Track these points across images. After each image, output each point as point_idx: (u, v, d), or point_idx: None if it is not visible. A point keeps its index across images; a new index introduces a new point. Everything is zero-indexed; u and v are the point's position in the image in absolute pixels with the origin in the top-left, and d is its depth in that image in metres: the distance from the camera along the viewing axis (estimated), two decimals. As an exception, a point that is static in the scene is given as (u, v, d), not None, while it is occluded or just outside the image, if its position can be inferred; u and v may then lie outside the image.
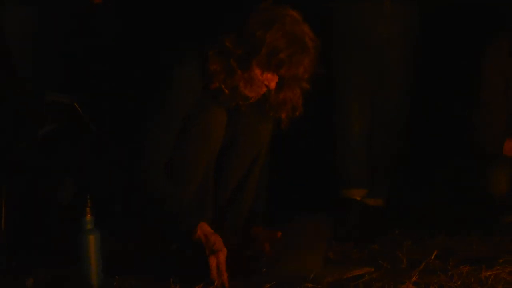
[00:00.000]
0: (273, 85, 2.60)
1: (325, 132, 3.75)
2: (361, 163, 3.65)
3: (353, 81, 3.65)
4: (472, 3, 3.78)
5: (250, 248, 2.62)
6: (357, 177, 3.64)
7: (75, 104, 3.02)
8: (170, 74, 2.58)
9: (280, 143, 2.85)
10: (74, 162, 2.99)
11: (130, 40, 3.32)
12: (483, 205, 3.40)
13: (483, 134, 3.42)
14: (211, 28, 2.62)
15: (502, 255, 2.67)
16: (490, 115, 3.42)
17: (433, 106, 3.92)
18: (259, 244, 2.65)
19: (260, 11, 2.55)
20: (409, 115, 3.72)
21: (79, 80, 3.27)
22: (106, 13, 3.29)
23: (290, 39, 2.52)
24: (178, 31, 3.37)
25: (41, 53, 3.27)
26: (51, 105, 3.09)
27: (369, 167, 3.67)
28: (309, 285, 2.40)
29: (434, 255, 2.62)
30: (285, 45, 2.52)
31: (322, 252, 2.66)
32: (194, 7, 3.49)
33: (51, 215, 2.99)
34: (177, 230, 2.50)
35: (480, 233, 3.17)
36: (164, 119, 2.55)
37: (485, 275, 2.43)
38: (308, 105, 2.71)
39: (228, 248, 2.45)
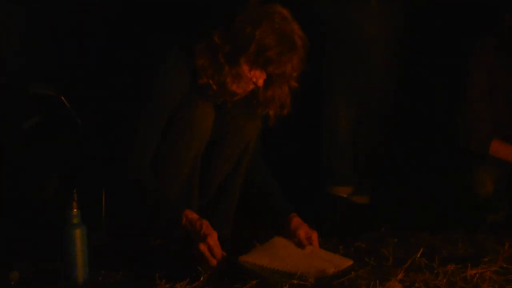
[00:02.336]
0: (260, 82, 2.59)
1: (312, 129, 3.75)
2: (347, 160, 3.67)
3: (340, 79, 3.66)
4: (460, 3, 3.80)
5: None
6: (343, 174, 3.65)
7: (62, 97, 3.00)
8: (157, 69, 2.57)
9: (266, 140, 2.85)
10: (58, 155, 2.97)
11: (118, 34, 3.31)
12: (468, 204, 3.42)
13: (469, 134, 3.43)
14: (200, 22, 2.61)
15: (487, 254, 2.68)
16: (476, 114, 3.43)
17: (420, 105, 3.93)
18: (298, 237, 2.65)
19: (250, 7, 2.55)
20: (395, 112, 3.74)
21: (66, 73, 3.25)
22: (95, 8, 3.28)
23: (279, 37, 2.52)
24: (167, 25, 3.36)
25: (28, 46, 3.25)
26: (37, 98, 3.07)
27: (355, 165, 3.69)
28: (295, 281, 2.40)
29: (420, 253, 2.63)
30: (274, 42, 2.51)
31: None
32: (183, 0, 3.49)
33: (36, 208, 2.97)
34: (162, 220, 2.49)
35: (465, 231, 3.18)
36: (149, 114, 2.54)
37: (470, 274, 2.44)
38: (295, 102, 2.71)
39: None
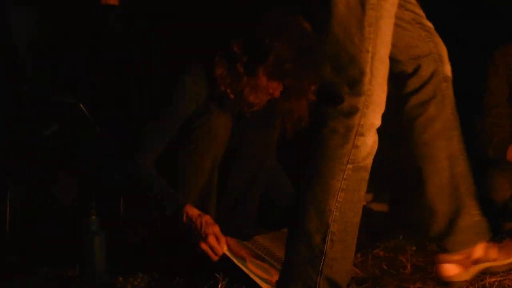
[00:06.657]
0: (277, 93, 2.59)
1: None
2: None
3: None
4: (480, 9, 3.78)
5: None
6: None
7: (81, 104, 3.02)
8: (175, 77, 2.58)
9: (282, 145, 2.84)
10: (78, 163, 2.99)
11: (137, 43, 3.33)
12: (486, 210, 3.40)
13: (487, 140, 3.42)
14: (220, 31, 2.61)
15: (505, 262, 2.67)
16: (494, 120, 3.42)
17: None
18: None
19: (270, 18, 2.54)
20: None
21: (85, 81, 3.27)
22: (115, 14, 3.29)
23: (298, 50, 2.52)
24: (186, 34, 3.37)
25: (47, 53, 3.26)
26: (56, 105, 3.09)
27: (373, 171, 3.66)
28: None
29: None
30: (292, 55, 2.51)
31: None
32: (203, 10, 3.48)
33: (54, 215, 2.99)
34: (164, 216, 2.49)
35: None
36: (161, 120, 2.55)
37: (489, 282, 2.42)
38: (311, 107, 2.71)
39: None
